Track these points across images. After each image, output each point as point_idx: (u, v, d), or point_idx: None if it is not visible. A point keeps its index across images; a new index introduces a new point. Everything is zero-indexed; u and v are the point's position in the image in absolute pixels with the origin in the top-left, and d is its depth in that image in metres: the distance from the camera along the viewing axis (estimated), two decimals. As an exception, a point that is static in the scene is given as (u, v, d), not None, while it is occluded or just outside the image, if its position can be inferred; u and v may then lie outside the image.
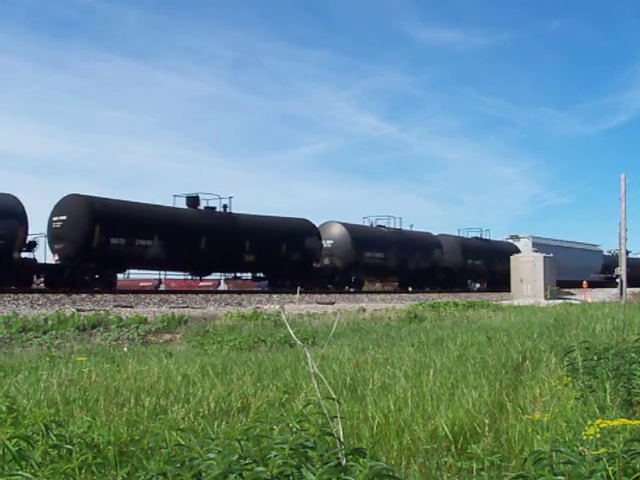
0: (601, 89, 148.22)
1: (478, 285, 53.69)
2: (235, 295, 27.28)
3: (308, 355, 2.94)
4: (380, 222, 42.29)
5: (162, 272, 33.14)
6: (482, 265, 47.67)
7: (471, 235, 50.65)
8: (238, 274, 35.72)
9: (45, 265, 26.87)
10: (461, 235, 50.44)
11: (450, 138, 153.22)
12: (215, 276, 36.61)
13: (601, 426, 2.50)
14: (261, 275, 36.08)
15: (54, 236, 26.68)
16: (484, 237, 51.01)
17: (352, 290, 37.98)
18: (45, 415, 3.45)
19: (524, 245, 51.88)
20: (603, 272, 63.75)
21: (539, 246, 50.85)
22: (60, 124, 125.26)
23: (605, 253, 67.76)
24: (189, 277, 34.24)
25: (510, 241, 54.08)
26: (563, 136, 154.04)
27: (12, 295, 20.80)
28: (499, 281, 47.04)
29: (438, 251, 44.27)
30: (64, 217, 26.62)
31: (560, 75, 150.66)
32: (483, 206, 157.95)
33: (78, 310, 16.98)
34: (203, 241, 30.06)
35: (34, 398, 5.12)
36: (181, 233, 29.20)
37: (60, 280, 25.58)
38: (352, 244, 37.35)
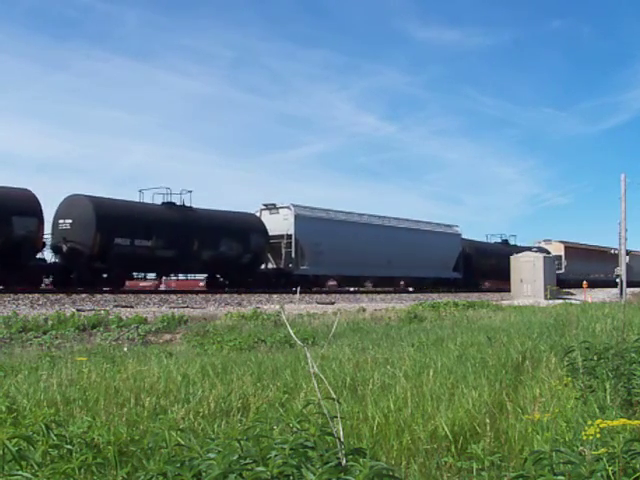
0: (601, 89, 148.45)
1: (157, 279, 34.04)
2: (235, 295, 27.29)
3: (308, 355, 2.94)
4: None
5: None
6: (160, 248, 28.33)
7: (161, 201, 30.44)
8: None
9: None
10: (133, 200, 29.84)
11: (450, 138, 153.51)
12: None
13: (601, 426, 2.50)
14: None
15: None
16: (187, 204, 30.50)
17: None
18: (45, 415, 3.45)
19: (283, 219, 34.43)
20: (460, 267, 45.32)
21: (307, 220, 34.79)
22: (60, 124, 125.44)
23: (466, 238, 47.62)
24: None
25: (264, 212, 35.24)
26: (563, 136, 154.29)
27: (12, 295, 20.80)
28: (229, 271, 31.67)
29: (29, 221, 24.93)
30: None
31: (560, 75, 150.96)
32: (483, 206, 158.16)
33: (78, 310, 16.98)
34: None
35: (34, 398, 5.12)
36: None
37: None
38: None
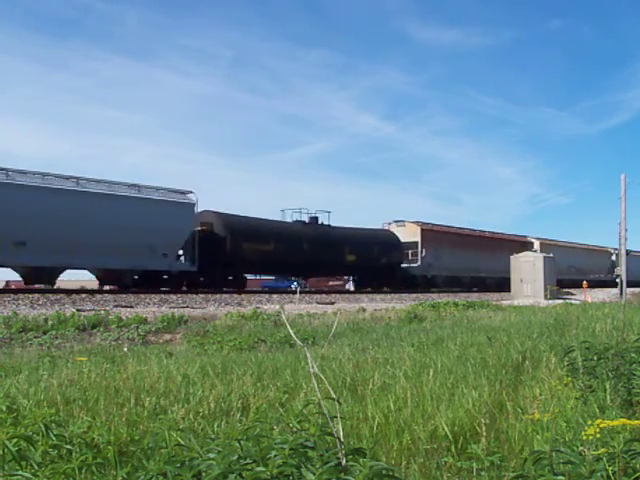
0: (601, 88, 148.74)
1: None
2: (235, 295, 27.27)
3: (308, 355, 2.94)
4: None
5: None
6: None
7: None
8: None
9: None
10: None
11: (450, 138, 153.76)
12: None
13: (601, 426, 2.50)
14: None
15: None
16: None
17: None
18: (45, 415, 3.45)
19: None
20: (194, 254, 28.54)
21: None
22: (60, 124, 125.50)
23: (219, 211, 31.29)
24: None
25: None
26: (563, 136, 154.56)
27: (12, 295, 20.79)
28: None
29: None
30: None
31: (560, 75, 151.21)
32: (483, 206, 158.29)
33: (78, 310, 16.98)
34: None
35: (34, 398, 5.12)
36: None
37: None
38: None
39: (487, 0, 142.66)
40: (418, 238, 41.80)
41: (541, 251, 51.34)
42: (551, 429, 3.72)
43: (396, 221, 43.31)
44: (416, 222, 43.04)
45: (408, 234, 41.85)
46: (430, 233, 42.99)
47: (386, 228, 43.10)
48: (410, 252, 40.99)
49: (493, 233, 51.47)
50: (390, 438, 4.16)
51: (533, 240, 54.36)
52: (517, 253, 44.08)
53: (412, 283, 39.43)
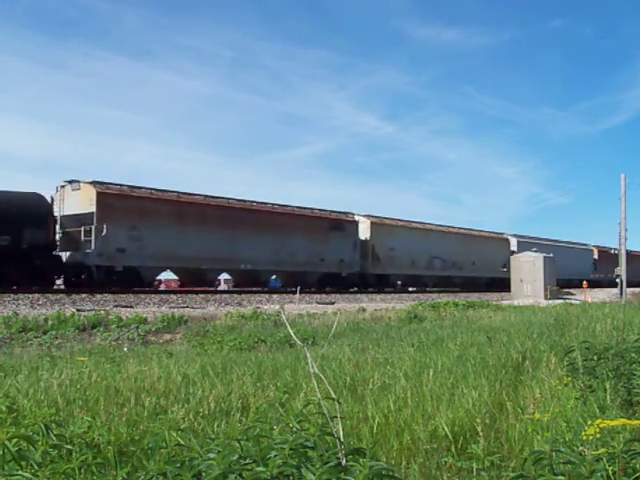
0: (601, 89, 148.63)
1: None
2: (235, 295, 27.28)
3: (308, 355, 2.94)
4: None
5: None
6: None
7: None
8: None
9: None
10: None
11: (450, 138, 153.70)
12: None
13: (601, 426, 2.50)
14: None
15: None
16: None
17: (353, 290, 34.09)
18: (45, 415, 3.45)
19: None
20: None
21: None
22: (60, 124, 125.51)
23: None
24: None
25: None
26: (563, 136, 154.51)
27: (12, 295, 20.78)
28: None
29: None
30: None
31: (560, 75, 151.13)
32: (483, 206, 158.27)
33: (78, 310, 16.98)
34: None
35: (34, 398, 5.12)
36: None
37: None
38: None
39: (487, 0, 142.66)
40: (94, 208, 25.25)
41: (371, 233, 38.15)
42: (551, 429, 3.72)
43: (70, 181, 26.61)
44: (93, 182, 26.17)
45: (83, 202, 25.69)
46: (118, 200, 26.05)
47: (45, 193, 25.93)
48: (83, 230, 25.39)
49: (277, 206, 33.26)
50: (390, 438, 4.16)
51: (360, 218, 38.56)
52: (328, 235, 32.58)
53: (88, 280, 25.19)
